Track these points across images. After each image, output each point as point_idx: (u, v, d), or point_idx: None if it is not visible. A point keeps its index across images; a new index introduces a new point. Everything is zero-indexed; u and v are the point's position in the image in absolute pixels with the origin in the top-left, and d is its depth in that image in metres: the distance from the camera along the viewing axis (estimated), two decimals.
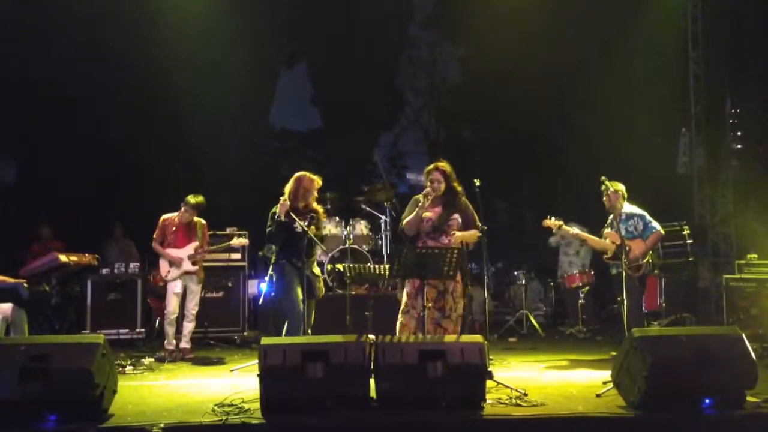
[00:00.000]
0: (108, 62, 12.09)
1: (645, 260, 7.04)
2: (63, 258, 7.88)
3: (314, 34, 17.22)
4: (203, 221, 7.95)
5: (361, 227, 9.87)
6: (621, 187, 7.10)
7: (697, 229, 10.48)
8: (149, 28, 11.73)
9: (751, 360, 4.81)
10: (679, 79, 11.73)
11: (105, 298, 8.76)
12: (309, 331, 6.41)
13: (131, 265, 9.02)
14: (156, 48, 11.97)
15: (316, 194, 6.71)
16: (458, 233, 6.05)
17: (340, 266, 8.79)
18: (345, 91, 17.94)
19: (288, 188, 6.60)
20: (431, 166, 6.21)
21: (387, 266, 7.96)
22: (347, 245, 9.43)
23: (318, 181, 6.70)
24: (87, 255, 8.42)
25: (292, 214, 6.40)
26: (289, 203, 6.46)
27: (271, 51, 15.88)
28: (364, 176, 13.61)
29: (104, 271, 8.89)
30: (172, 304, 7.66)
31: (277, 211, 6.40)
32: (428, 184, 6.12)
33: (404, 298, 6.05)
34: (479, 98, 17.14)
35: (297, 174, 6.71)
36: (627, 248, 6.63)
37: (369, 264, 8.87)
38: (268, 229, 6.47)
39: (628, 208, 7.17)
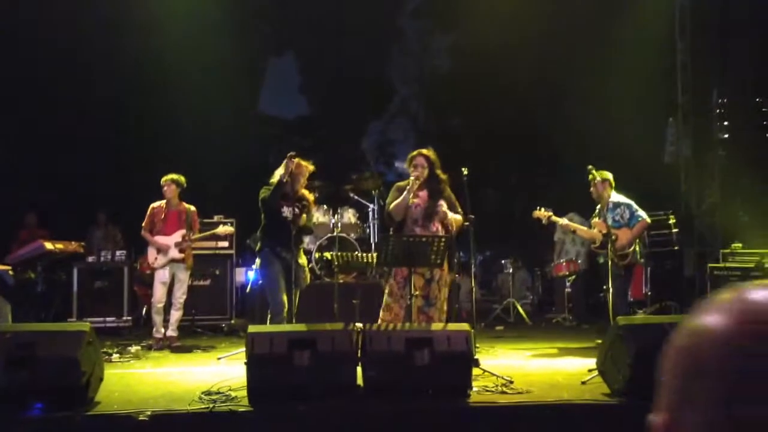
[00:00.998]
0: (92, 47, 11.98)
1: (631, 249, 7.08)
2: (49, 245, 7.84)
3: (303, 22, 17.14)
4: (193, 208, 7.92)
5: (349, 215, 9.88)
6: (609, 176, 7.13)
7: (683, 218, 10.56)
8: (138, 15, 11.64)
9: None
10: (666, 69, 11.76)
11: (91, 286, 8.74)
12: (293, 320, 6.39)
13: (117, 252, 9.00)
14: (143, 34, 11.89)
15: (305, 181, 6.66)
16: (447, 211, 6.07)
17: (327, 254, 8.82)
18: (333, 80, 17.90)
19: (278, 171, 6.49)
20: (415, 152, 6.21)
21: (375, 255, 7.98)
22: (335, 233, 9.43)
23: (309, 167, 6.64)
24: (73, 242, 8.38)
25: (279, 198, 6.33)
26: (296, 161, 6.38)
27: (260, 39, 15.80)
28: (352, 164, 13.59)
29: (90, 258, 8.86)
30: (159, 293, 7.65)
31: (281, 172, 6.30)
32: (411, 170, 6.11)
33: (392, 285, 6.04)
34: (468, 88, 17.14)
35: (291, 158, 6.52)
36: (614, 237, 6.66)
37: (357, 252, 8.88)
38: (263, 195, 6.36)
39: (616, 197, 7.21)
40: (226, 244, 9.35)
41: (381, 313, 6.06)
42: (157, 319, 7.65)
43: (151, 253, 7.75)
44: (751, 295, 0.76)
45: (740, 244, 8.37)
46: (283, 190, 6.32)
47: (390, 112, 21.48)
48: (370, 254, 8.62)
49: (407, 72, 21.50)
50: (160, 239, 7.68)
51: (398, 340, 4.85)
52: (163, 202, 7.79)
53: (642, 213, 7.16)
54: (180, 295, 7.75)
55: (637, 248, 7.17)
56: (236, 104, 15.04)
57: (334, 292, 7.05)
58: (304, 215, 6.39)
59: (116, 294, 8.79)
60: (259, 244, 6.52)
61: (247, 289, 9.08)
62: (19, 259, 7.70)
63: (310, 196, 6.72)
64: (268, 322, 6.29)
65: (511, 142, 16.61)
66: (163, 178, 7.73)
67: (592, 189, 7.04)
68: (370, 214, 10.05)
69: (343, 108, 17.84)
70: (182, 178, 7.78)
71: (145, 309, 9.01)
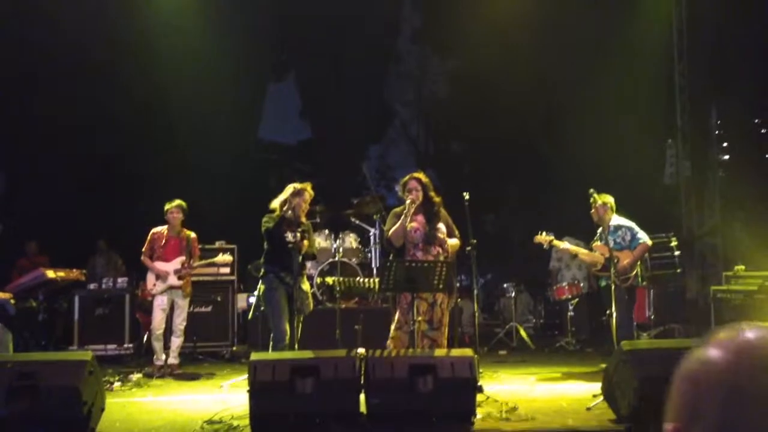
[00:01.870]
0: (96, 77, 12.07)
1: (633, 272, 7.07)
2: (50, 273, 7.82)
3: (303, 47, 17.27)
4: (193, 235, 7.91)
5: (351, 240, 9.85)
6: (609, 199, 7.13)
7: (684, 240, 10.56)
8: (140, 43, 11.74)
9: None
10: (665, 91, 11.84)
11: (92, 314, 8.70)
12: (296, 347, 6.35)
13: (119, 279, 8.98)
14: (145, 62, 11.97)
15: (307, 206, 6.66)
16: (448, 240, 6.08)
17: (329, 280, 8.80)
18: (334, 104, 17.98)
19: (281, 199, 6.48)
20: (407, 177, 6.23)
21: (376, 280, 7.95)
22: (337, 258, 9.40)
23: (310, 191, 6.65)
24: (74, 270, 8.36)
25: (283, 227, 6.35)
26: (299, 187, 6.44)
27: (260, 64, 15.90)
28: (353, 189, 13.62)
29: (92, 286, 8.84)
30: (158, 319, 7.61)
31: (283, 198, 6.36)
32: (406, 195, 6.12)
33: (397, 313, 6.02)
34: (467, 112, 17.24)
35: (293, 186, 6.59)
36: (616, 260, 6.66)
37: (359, 278, 8.86)
38: (266, 226, 6.38)
39: (616, 219, 7.21)
40: (227, 270, 9.32)
41: (389, 342, 6.02)
42: (157, 346, 7.61)
43: (150, 278, 7.73)
44: (748, 334, 0.95)
45: (743, 267, 8.35)
46: (285, 218, 6.36)
47: (390, 136, 21.59)
48: (372, 279, 8.60)
49: (406, 96, 21.65)
50: (160, 265, 7.67)
51: (401, 367, 4.83)
52: (164, 228, 7.79)
53: (643, 235, 7.15)
54: (180, 322, 7.71)
55: (639, 271, 7.15)
56: (237, 130, 15.12)
57: (336, 317, 7.01)
58: (306, 241, 6.38)
59: (118, 321, 8.76)
60: (262, 270, 6.51)
61: (249, 316, 9.03)
62: (20, 287, 7.68)
63: (308, 223, 6.72)
64: (270, 348, 6.25)
65: (511, 165, 16.66)
66: (169, 205, 7.72)
67: (593, 212, 7.04)
68: (372, 238, 10.03)
69: (343, 132, 17.91)
70: (185, 204, 7.79)
71: (146, 336, 8.97)
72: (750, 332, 0.96)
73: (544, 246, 7.36)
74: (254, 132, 17.56)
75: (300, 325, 6.49)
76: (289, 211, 6.34)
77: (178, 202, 7.73)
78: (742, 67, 11.90)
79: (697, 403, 0.94)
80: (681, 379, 0.99)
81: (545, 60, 13.48)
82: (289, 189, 6.53)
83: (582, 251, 7.44)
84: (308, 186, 6.59)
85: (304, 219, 6.64)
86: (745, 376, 0.91)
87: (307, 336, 6.64)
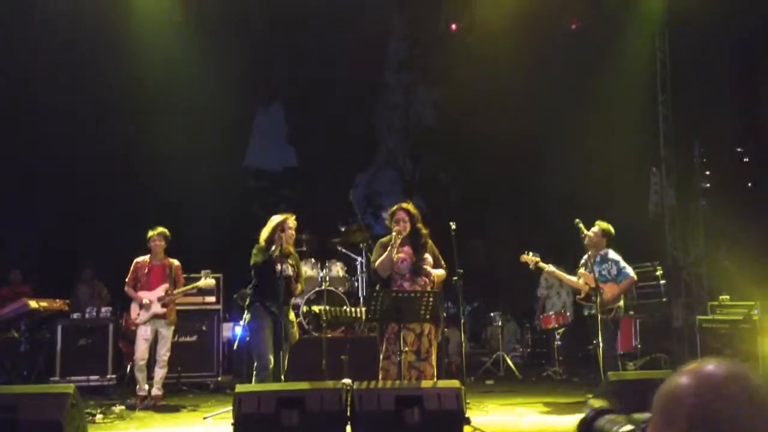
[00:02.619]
0: (82, 102, 12.04)
1: (616, 304, 7.05)
2: (33, 304, 7.74)
3: (290, 73, 17.36)
4: (177, 262, 7.86)
5: (337, 269, 9.83)
6: (609, 228, 7.15)
7: (669, 269, 10.61)
8: (128, 71, 11.74)
9: None
10: (649, 121, 11.97)
11: (75, 344, 8.56)
12: (282, 378, 6.29)
13: (103, 309, 8.87)
14: (131, 89, 11.96)
15: (293, 234, 6.64)
16: (434, 271, 6.08)
17: (316, 309, 8.75)
18: (320, 131, 18.03)
19: (266, 231, 6.49)
20: (395, 207, 6.23)
21: (363, 309, 7.92)
22: (323, 287, 9.36)
23: (293, 223, 6.64)
24: (58, 300, 8.28)
25: (271, 257, 6.33)
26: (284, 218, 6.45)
27: (248, 91, 15.94)
28: (339, 217, 13.61)
29: (75, 315, 8.72)
30: (141, 350, 7.52)
31: (270, 229, 6.37)
32: (393, 225, 6.12)
33: (384, 344, 6.00)
34: (453, 140, 17.34)
35: (277, 217, 6.59)
36: (600, 291, 6.67)
37: (345, 307, 8.82)
38: (255, 260, 6.38)
39: (605, 251, 7.20)
40: (213, 299, 9.24)
41: (380, 372, 5.98)
42: (140, 376, 7.52)
43: (134, 308, 7.65)
44: (710, 367, 1.27)
45: (728, 296, 8.38)
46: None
47: (376, 164, 21.66)
48: (358, 308, 8.57)
49: (393, 124, 21.77)
50: (143, 294, 7.59)
51: (388, 399, 4.80)
52: (147, 257, 7.74)
53: (629, 270, 7.15)
54: (164, 352, 7.61)
55: (622, 303, 7.15)
56: (222, 157, 15.09)
57: (322, 347, 6.97)
58: (300, 279, 6.40)
59: (101, 351, 8.62)
60: (248, 299, 6.48)
61: (235, 345, 8.95)
62: (2, 318, 7.59)
63: (296, 255, 6.72)
64: (253, 378, 6.19)
65: (497, 193, 16.73)
66: (152, 233, 7.68)
67: (586, 239, 7.04)
68: (359, 267, 10.02)
69: (330, 159, 17.94)
70: (168, 232, 7.75)
71: (129, 366, 8.85)
72: (713, 366, 1.28)
73: (531, 266, 7.35)
74: (240, 159, 17.55)
75: (287, 355, 6.44)
76: (277, 251, 6.32)
77: (160, 229, 7.70)
78: (724, 96, 12.07)
79: (670, 412, 1.25)
80: (658, 397, 1.30)
81: (530, 89, 13.60)
82: (272, 223, 6.52)
83: (566, 276, 7.45)
84: (290, 217, 6.58)
85: (291, 249, 6.63)
86: (705, 400, 1.22)
87: (293, 366, 6.58)
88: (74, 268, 10.84)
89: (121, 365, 9.05)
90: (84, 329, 8.64)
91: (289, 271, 6.33)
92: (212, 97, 13.09)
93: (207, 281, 8.11)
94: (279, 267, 6.25)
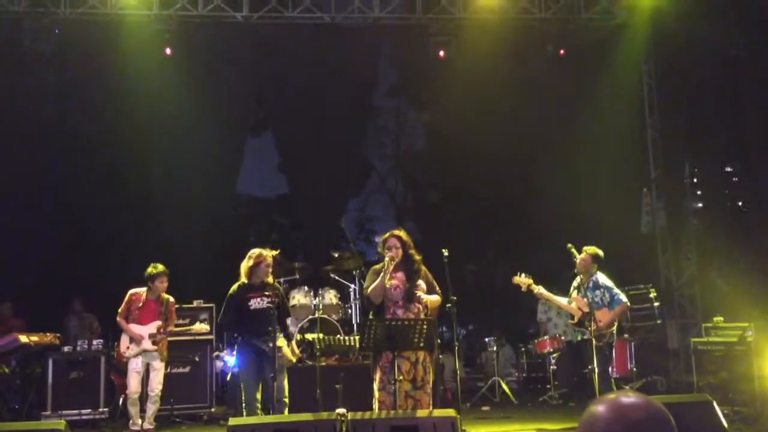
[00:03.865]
0: (72, 135, 12.05)
1: (609, 330, 7.02)
2: (23, 338, 7.67)
3: (281, 101, 17.41)
4: (171, 299, 7.79)
5: (331, 296, 9.78)
6: (598, 252, 7.14)
7: (663, 290, 10.60)
8: (117, 102, 11.77)
9: (721, 427, 4.82)
10: (638, 143, 12.04)
11: (67, 377, 8.46)
12: (284, 401, 6.31)
13: (94, 341, 8.78)
14: (119, 119, 11.99)
15: (269, 268, 6.63)
16: (425, 296, 6.05)
17: (309, 337, 8.70)
18: (312, 158, 18.05)
19: (244, 266, 6.53)
20: (387, 234, 6.22)
21: (357, 337, 7.87)
22: (316, 315, 9.31)
23: (269, 256, 6.63)
24: (48, 334, 8.20)
25: (247, 293, 6.39)
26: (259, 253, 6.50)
27: (238, 121, 15.98)
28: (332, 243, 13.58)
29: (66, 348, 8.63)
30: (133, 383, 7.43)
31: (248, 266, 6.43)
32: (385, 252, 6.10)
33: (378, 373, 5.94)
34: (444, 164, 17.40)
35: (253, 252, 6.62)
36: (594, 318, 6.65)
37: (339, 335, 8.78)
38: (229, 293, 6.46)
39: (596, 276, 7.19)
40: (206, 328, 9.17)
41: (375, 403, 5.92)
42: (133, 410, 7.42)
43: (124, 341, 7.57)
44: (624, 399, 1.47)
45: (721, 318, 8.36)
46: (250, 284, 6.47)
47: (368, 189, 21.70)
48: (352, 336, 8.53)
49: (384, 149, 21.85)
50: (135, 328, 7.52)
51: (383, 429, 4.75)
52: (143, 290, 7.66)
53: (622, 296, 7.13)
54: (155, 386, 7.50)
55: (614, 329, 7.12)
56: (215, 185, 15.08)
57: (316, 375, 6.91)
58: (268, 303, 6.39)
59: (92, 384, 8.53)
60: (235, 334, 6.53)
61: (228, 376, 8.88)
62: None
63: (280, 286, 6.78)
64: (243, 411, 6.17)
65: (489, 216, 16.76)
66: (155, 270, 7.56)
67: (577, 263, 7.03)
68: (352, 294, 9.98)
69: (322, 186, 17.95)
70: (168, 271, 7.69)
71: (122, 399, 8.75)
72: (626, 398, 1.47)
73: (523, 288, 7.31)
74: (233, 186, 17.53)
75: (284, 378, 6.41)
76: (253, 277, 6.43)
77: (163, 268, 7.59)
78: (713, 116, 12.16)
79: None
80: (581, 423, 1.47)
81: (521, 114, 13.67)
82: (251, 258, 6.54)
83: (557, 300, 7.42)
84: (267, 255, 6.57)
85: (270, 280, 6.63)
86: (616, 428, 1.42)
87: (288, 394, 6.53)
88: (64, 300, 10.76)
89: (113, 398, 8.94)
90: (75, 362, 8.54)
91: (263, 303, 6.34)
92: (202, 126, 13.12)
93: (201, 327, 8.12)
94: (254, 302, 6.31)
